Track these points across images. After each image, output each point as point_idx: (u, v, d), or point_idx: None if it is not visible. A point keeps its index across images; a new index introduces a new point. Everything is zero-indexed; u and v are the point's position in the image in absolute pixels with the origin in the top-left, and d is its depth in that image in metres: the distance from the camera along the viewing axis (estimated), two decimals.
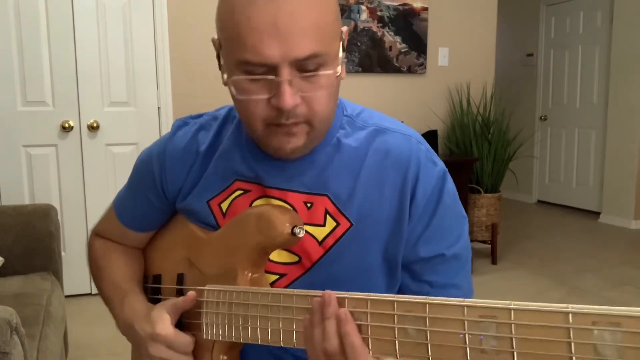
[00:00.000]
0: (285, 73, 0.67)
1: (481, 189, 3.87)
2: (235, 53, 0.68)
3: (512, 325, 0.46)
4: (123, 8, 3.21)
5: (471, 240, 3.90)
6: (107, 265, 0.95)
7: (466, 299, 0.51)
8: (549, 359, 0.45)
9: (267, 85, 0.68)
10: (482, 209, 3.85)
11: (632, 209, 4.90)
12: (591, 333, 0.43)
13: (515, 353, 0.46)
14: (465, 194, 3.74)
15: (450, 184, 0.81)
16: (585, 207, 5.56)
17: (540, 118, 6.03)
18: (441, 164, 0.81)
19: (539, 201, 6.16)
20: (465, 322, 0.50)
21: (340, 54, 0.73)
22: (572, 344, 0.44)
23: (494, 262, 3.89)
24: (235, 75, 0.70)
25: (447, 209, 0.79)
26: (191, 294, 0.80)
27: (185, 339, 0.78)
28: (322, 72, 0.69)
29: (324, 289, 0.64)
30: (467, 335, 0.49)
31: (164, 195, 0.89)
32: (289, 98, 0.67)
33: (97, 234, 1.02)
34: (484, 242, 3.94)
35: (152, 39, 3.29)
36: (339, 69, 0.71)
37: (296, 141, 0.74)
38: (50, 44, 3.09)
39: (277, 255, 0.81)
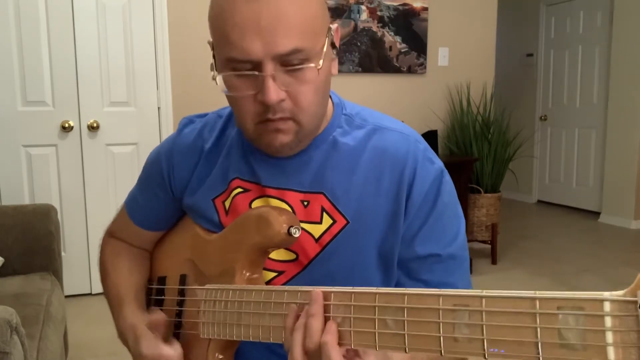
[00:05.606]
0: (269, 68, 0.69)
1: (481, 189, 3.87)
2: (223, 51, 0.71)
3: (483, 312, 0.47)
4: (123, 8, 3.22)
5: (471, 240, 3.91)
6: (113, 269, 0.99)
7: (443, 289, 0.52)
8: (517, 344, 0.45)
9: (253, 82, 0.70)
10: (482, 209, 3.85)
11: (632, 209, 4.90)
12: (556, 318, 0.44)
13: (485, 340, 0.47)
14: (465, 194, 3.74)
15: (448, 183, 0.81)
16: (585, 207, 5.56)
17: (540, 118, 6.03)
18: (439, 163, 0.82)
19: (539, 201, 6.16)
20: (440, 311, 0.50)
21: (325, 48, 0.73)
22: (538, 329, 0.44)
23: (494, 262, 3.89)
24: (223, 72, 0.72)
25: (445, 207, 0.79)
26: (160, 316, 0.85)
27: (170, 354, 0.80)
28: (305, 66, 0.70)
29: (320, 286, 0.64)
30: (440, 324, 0.50)
31: (172, 192, 0.92)
32: (273, 92, 0.69)
33: (110, 234, 1.05)
34: (484, 242, 3.94)
35: (152, 39, 3.31)
36: (321, 62, 0.71)
37: (284, 137, 0.75)
38: (50, 44, 3.10)
39: (274, 253, 0.82)
